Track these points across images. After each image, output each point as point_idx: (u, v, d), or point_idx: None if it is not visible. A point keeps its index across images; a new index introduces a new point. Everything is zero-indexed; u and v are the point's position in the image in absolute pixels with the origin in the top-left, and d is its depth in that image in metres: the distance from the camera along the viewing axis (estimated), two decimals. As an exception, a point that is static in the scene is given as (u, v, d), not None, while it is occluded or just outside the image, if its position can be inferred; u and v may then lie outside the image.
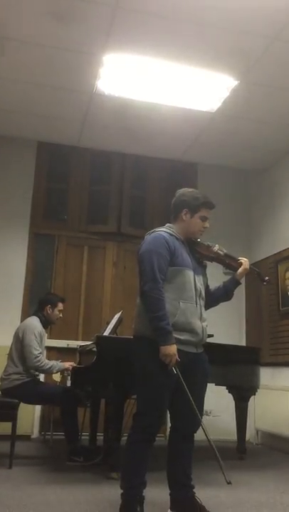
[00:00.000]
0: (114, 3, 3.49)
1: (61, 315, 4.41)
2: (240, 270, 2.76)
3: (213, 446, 2.39)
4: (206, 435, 2.43)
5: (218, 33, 3.73)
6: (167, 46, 3.91)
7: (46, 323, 4.32)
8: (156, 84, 4.44)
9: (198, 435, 2.62)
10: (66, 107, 4.96)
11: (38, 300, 4.47)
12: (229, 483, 2.41)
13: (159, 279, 2.48)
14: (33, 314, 4.34)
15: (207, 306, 2.73)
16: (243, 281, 2.86)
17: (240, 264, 2.77)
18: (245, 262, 2.78)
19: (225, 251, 2.78)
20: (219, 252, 2.76)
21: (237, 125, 5.14)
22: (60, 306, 4.37)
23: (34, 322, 4.20)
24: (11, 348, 4.15)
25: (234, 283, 2.78)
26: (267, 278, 2.87)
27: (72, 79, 4.46)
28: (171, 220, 2.75)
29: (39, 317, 4.26)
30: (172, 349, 2.42)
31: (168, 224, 2.74)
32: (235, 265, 2.77)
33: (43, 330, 4.25)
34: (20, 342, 4.08)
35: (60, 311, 4.36)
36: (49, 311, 4.30)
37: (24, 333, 4.08)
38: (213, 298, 2.78)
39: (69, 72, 4.35)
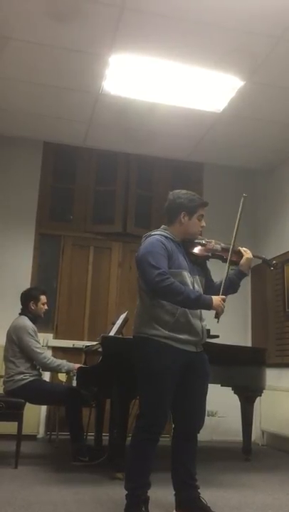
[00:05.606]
0: (120, 4, 3.49)
1: (46, 307, 4.32)
2: (242, 261, 2.71)
3: None
4: None
5: (224, 33, 3.73)
6: (173, 47, 3.91)
7: (34, 319, 4.23)
8: (162, 84, 4.43)
9: (202, 436, 2.62)
10: (72, 107, 4.96)
11: (20, 297, 4.30)
12: None
13: (162, 268, 2.46)
14: (20, 313, 4.24)
15: None
16: (248, 280, 2.84)
17: (242, 255, 2.72)
18: (246, 251, 2.73)
19: (222, 245, 2.74)
20: (216, 247, 2.72)
21: (243, 125, 5.13)
22: (43, 298, 4.28)
23: (24, 321, 4.13)
24: (5, 350, 4.10)
25: (239, 275, 2.72)
26: (274, 262, 2.84)
27: (78, 79, 4.47)
28: (165, 223, 2.73)
29: (26, 315, 4.19)
30: (215, 299, 2.51)
31: (163, 226, 2.73)
32: (236, 258, 2.70)
33: (34, 326, 4.17)
34: (16, 344, 4.04)
35: (44, 303, 4.28)
36: (33, 307, 4.22)
37: (19, 336, 4.03)
38: (216, 290, 2.67)
39: (75, 72, 4.35)
